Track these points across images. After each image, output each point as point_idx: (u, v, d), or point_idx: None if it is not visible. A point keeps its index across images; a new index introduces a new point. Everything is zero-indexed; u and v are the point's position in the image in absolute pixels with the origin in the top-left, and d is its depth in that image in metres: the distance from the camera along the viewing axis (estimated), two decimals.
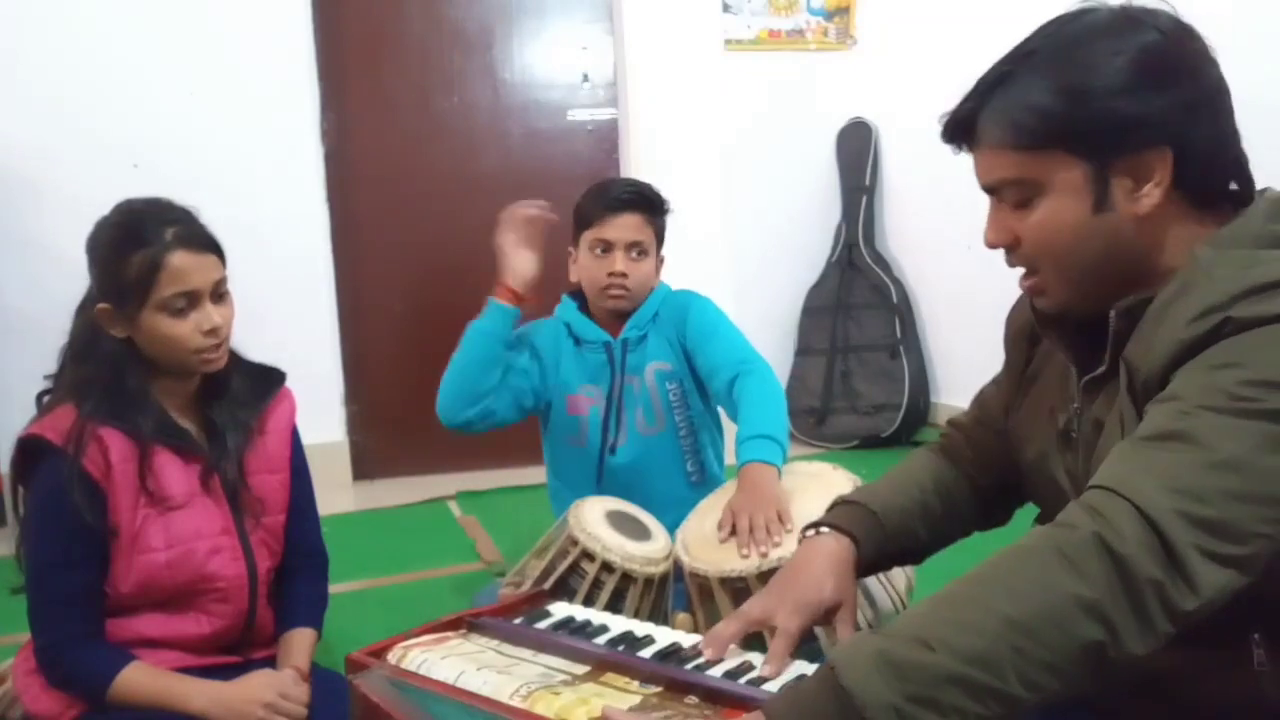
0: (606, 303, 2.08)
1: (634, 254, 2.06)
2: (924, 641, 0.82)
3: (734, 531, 1.63)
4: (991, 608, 0.82)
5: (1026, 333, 1.21)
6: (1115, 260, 1.01)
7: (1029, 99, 0.99)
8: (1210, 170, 1.01)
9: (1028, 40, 1.03)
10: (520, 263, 2.07)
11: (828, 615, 1.17)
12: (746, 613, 1.15)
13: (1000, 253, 1.08)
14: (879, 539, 1.22)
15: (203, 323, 1.46)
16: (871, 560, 1.23)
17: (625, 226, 2.05)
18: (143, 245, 1.43)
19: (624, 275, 2.05)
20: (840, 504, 1.27)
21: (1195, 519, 0.83)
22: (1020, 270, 1.08)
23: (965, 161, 1.07)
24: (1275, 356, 0.87)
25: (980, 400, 1.34)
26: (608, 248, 2.05)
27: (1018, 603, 0.82)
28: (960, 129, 1.05)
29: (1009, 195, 1.03)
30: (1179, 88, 0.97)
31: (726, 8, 3.95)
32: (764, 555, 1.57)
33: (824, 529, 1.23)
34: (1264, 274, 0.90)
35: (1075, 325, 1.10)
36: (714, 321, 2.10)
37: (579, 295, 2.17)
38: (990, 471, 1.29)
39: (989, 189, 1.06)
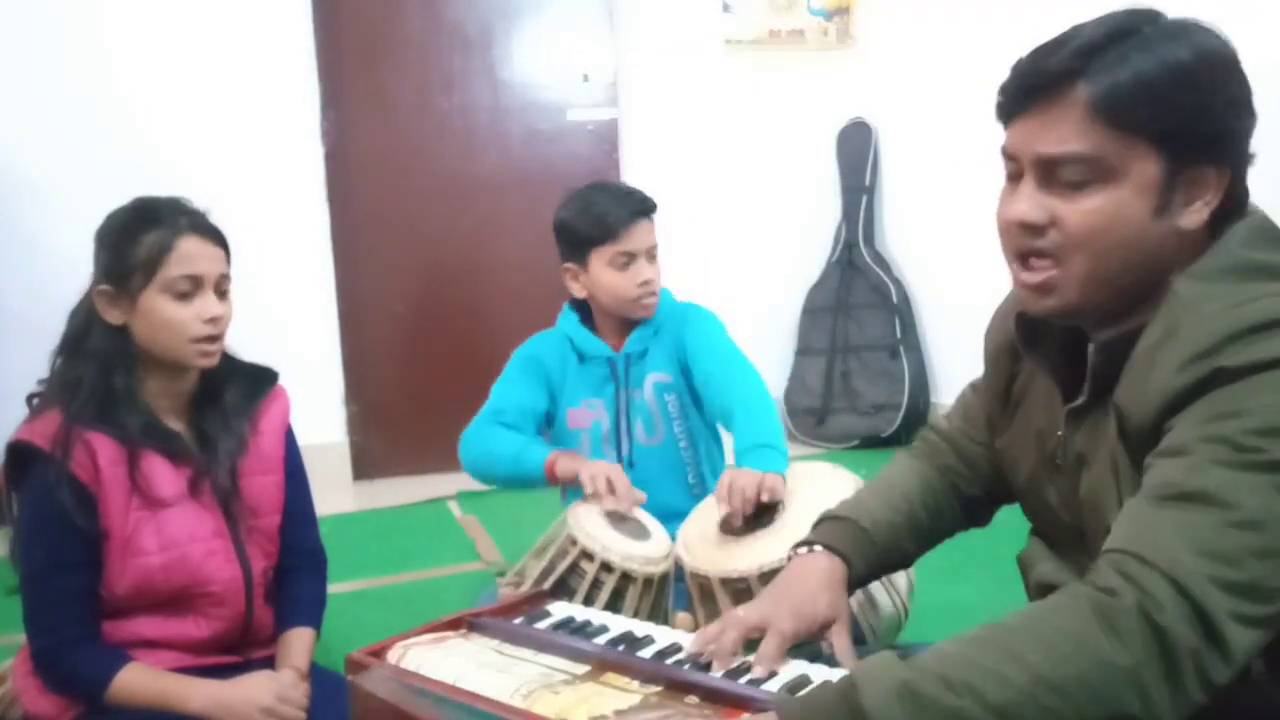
0: (639, 312, 2.06)
1: (652, 258, 2.07)
2: (950, 684, 0.81)
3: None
4: (1024, 662, 0.81)
5: (1007, 349, 1.18)
6: (1142, 270, 0.96)
7: (1139, 74, 0.92)
8: (1235, 200, 0.99)
9: (1115, 16, 0.97)
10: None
11: (821, 629, 1.15)
12: (744, 619, 1.14)
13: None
14: (870, 555, 1.21)
15: (204, 311, 1.47)
16: (863, 576, 1.22)
17: (643, 233, 2.03)
18: (156, 226, 1.47)
19: (651, 282, 2.05)
20: (829, 519, 1.26)
21: (1227, 584, 0.83)
22: (1015, 261, 1.01)
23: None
24: (1272, 402, 0.86)
25: (963, 407, 1.32)
26: (630, 259, 2.02)
27: (1053, 662, 0.81)
28: (1047, 85, 0.95)
29: (1069, 173, 0.95)
30: (1249, 114, 0.96)
31: (726, 8, 3.95)
32: (748, 508, 1.63)
33: (816, 547, 1.22)
34: (1250, 314, 0.89)
35: (1059, 348, 1.09)
36: (710, 335, 2.10)
37: (582, 307, 2.16)
38: (976, 481, 1.28)
39: (1048, 160, 0.95)
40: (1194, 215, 0.96)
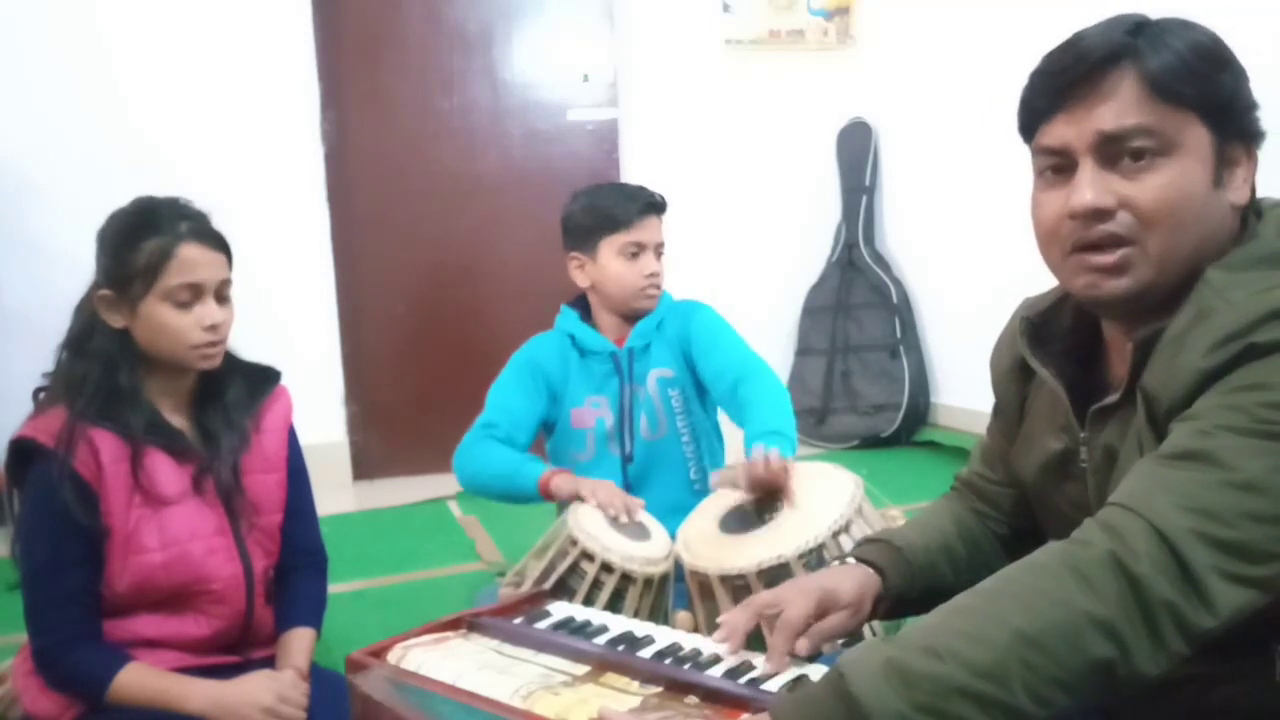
0: (642, 304, 2.10)
1: (659, 254, 2.12)
2: (934, 651, 0.81)
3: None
4: (1003, 621, 0.82)
5: (1016, 371, 1.19)
6: (1205, 248, 0.97)
7: (1180, 50, 0.95)
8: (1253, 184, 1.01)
9: (1120, 17, 0.99)
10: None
11: (834, 607, 1.13)
12: (754, 600, 1.13)
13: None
14: (905, 573, 1.20)
15: (204, 318, 1.47)
16: (900, 592, 1.19)
17: (653, 228, 2.10)
18: (156, 233, 1.46)
19: (657, 275, 2.10)
20: (866, 542, 1.26)
21: (1214, 540, 0.82)
22: (1077, 251, 0.99)
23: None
24: None
25: (979, 452, 1.33)
26: (640, 250, 2.08)
27: (1029, 617, 0.81)
28: (1093, 70, 0.96)
29: (1134, 148, 0.95)
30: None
31: (726, 8, 3.95)
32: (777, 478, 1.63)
33: (849, 560, 1.22)
34: None
35: (1064, 351, 1.10)
36: (717, 329, 2.12)
37: (579, 304, 2.17)
38: (1002, 520, 1.28)
39: (1111, 137, 0.96)
40: (1239, 191, 0.99)
